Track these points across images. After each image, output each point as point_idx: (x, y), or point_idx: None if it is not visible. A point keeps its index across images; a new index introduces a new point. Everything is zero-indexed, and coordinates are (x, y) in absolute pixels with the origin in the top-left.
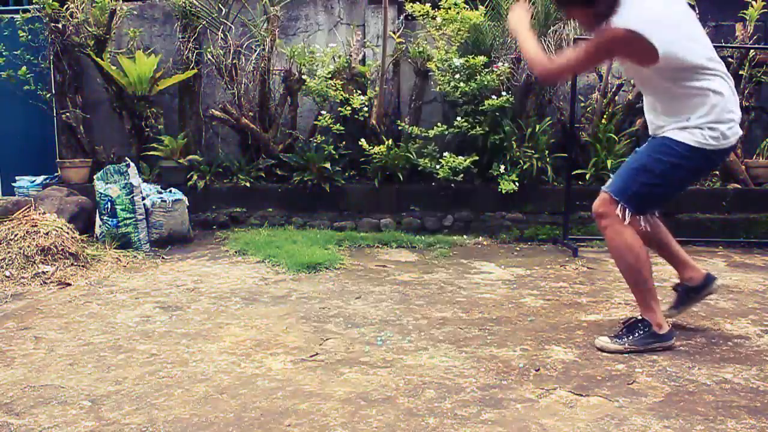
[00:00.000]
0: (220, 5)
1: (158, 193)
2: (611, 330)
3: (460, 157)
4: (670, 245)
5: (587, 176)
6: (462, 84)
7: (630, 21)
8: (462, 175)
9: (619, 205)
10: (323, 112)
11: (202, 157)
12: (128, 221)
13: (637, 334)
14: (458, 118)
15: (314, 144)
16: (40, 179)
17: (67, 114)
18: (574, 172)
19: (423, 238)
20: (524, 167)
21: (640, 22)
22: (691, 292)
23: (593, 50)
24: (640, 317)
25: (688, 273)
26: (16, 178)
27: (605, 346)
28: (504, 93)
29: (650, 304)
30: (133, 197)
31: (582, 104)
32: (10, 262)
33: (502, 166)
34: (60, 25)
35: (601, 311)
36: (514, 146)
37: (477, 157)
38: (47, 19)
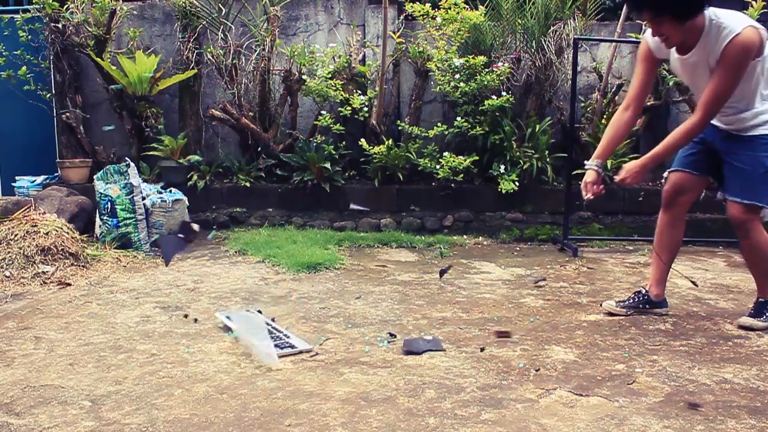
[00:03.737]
0: (220, 5)
1: (158, 193)
2: (611, 329)
3: (460, 157)
4: (674, 256)
5: None
6: (462, 84)
7: (747, 21)
8: (462, 175)
9: (764, 210)
10: (323, 112)
11: (202, 157)
12: (128, 221)
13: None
14: (458, 118)
15: (314, 144)
16: (40, 179)
17: (67, 114)
18: (574, 172)
19: (423, 238)
20: (524, 167)
21: (751, 21)
22: (648, 303)
23: (735, 69)
24: (762, 299)
25: (658, 288)
26: (16, 178)
27: (755, 324)
28: (504, 93)
29: None
30: (133, 197)
31: (582, 104)
32: (10, 262)
33: (502, 166)
34: (60, 25)
35: (601, 311)
36: (514, 146)
37: (477, 157)
38: (47, 19)
